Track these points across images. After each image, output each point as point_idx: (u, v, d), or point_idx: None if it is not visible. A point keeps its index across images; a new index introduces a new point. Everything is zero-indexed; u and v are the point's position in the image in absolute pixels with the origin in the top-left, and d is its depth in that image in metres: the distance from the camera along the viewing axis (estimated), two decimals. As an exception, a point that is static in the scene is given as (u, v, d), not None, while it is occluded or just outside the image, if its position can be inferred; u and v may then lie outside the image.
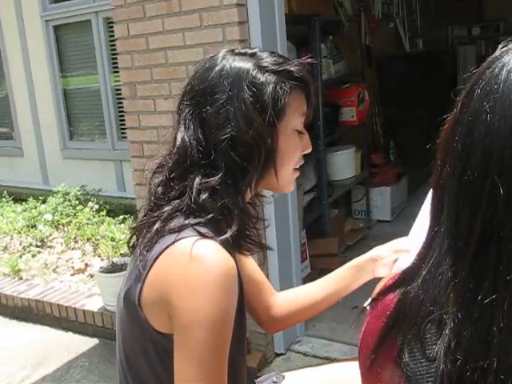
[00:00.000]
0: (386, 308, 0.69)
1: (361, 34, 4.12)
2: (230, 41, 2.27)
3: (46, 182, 5.34)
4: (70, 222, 4.31)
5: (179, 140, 0.99)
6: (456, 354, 0.58)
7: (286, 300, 1.28)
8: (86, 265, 3.75)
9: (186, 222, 0.94)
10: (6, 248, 4.20)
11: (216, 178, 0.95)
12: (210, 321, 0.87)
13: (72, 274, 3.65)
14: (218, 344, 0.89)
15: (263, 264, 2.45)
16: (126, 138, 2.92)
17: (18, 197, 5.23)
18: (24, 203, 4.92)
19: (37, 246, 4.11)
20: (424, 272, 0.64)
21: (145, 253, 0.94)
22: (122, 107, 2.78)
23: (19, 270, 3.68)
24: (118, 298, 1.03)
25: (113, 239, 3.85)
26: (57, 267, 3.77)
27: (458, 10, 6.03)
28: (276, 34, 2.39)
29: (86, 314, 3.05)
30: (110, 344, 2.86)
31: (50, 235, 4.26)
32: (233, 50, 1.03)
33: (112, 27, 2.67)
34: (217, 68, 0.99)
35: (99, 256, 3.81)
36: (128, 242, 1.06)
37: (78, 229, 4.19)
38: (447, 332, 0.59)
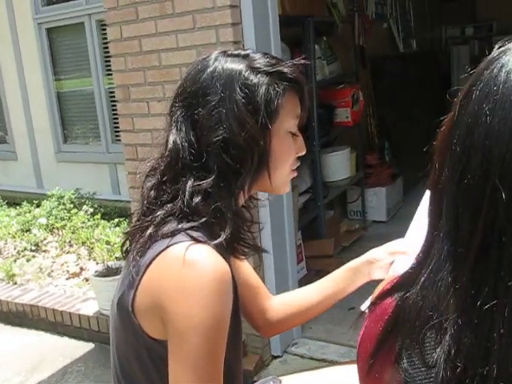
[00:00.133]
0: (384, 312, 0.68)
1: (354, 34, 4.12)
2: (224, 42, 2.26)
3: (40, 186, 5.32)
4: (65, 225, 4.29)
5: (171, 142, 0.98)
6: (456, 361, 0.57)
7: (282, 304, 1.27)
8: (81, 269, 3.73)
9: (179, 226, 0.93)
10: (0, 253, 4.18)
11: (208, 180, 0.94)
12: (205, 326, 0.86)
13: (67, 278, 3.63)
14: (212, 350, 0.88)
15: (259, 266, 2.44)
16: (120, 140, 2.91)
17: (12, 201, 5.20)
18: (18, 207, 4.90)
19: (31, 251, 4.09)
20: (423, 278, 0.63)
21: (138, 258, 0.93)
22: (116, 110, 2.76)
23: (13, 275, 3.66)
24: (112, 305, 1.01)
25: (108, 243, 3.83)
26: (52, 271, 3.74)
27: (452, 10, 6.05)
28: (270, 35, 2.38)
29: (81, 319, 3.03)
30: (105, 348, 2.85)
31: (45, 239, 4.24)
32: (225, 52, 1.02)
33: (105, 30, 2.66)
34: (209, 69, 0.98)
35: (94, 260, 3.79)
36: (121, 247, 1.05)
37: (73, 232, 4.17)
38: (447, 339, 0.58)
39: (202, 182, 0.94)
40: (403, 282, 0.68)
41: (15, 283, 3.59)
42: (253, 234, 1.04)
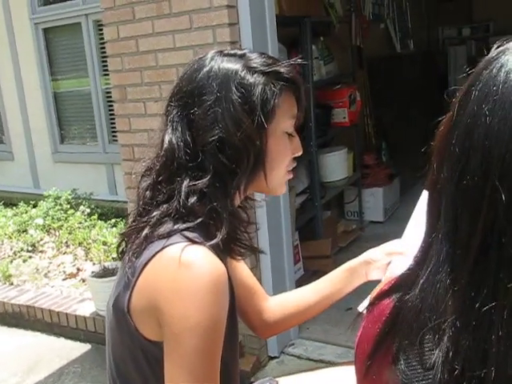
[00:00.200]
0: (381, 313, 0.67)
1: (352, 34, 4.12)
2: (221, 43, 2.26)
3: (37, 186, 5.30)
4: (62, 226, 4.28)
5: (166, 142, 0.97)
6: (453, 364, 0.56)
7: (279, 304, 1.26)
8: (78, 269, 3.72)
9: (175, 227, 0.92)
10: (-4, 253, 4.17)
11: (204, 180, 0.94)
12: (201, 328, 0.85)
13: (64, 279, 3.62)
14: (209, 351, 0.87)
15: (256, 266, 2.44)
16: (117, 141, 2.90)
17: (9, 201, 5.19)
18: (15, 208, 4.88)
19: (28, 251, 4.08)
20: (422, 280, 0.62)
21: (133, 259, 0.92)
22: (113, 110, 2.76)
23: (10, 276, 3.65)
24: (107, 306, 1.01)
25: (104, 243, 3.82)
26: (48, 272, 3.73)
27: (449, 10, 6.05)
28: (267, 35, 2.38)
29: (77, 319, 3.02)
30: (102, 349, 2.81)
31: (41, 240, 4.23)
32: (222, 51, 1.01)
33: (102, 30, 2.65)
34: (205, 69, 0.98)
35: (91, 260, 3.78)
36: (117, 248, 1.04)
37: (70, 233, 4.16)
38: (445, 341, 0.58)
39: (197, 182, 0.94)
40: (401, 283, 0.67)
41: (11, 284, 3.58)
42: (249, 234, 1.03)
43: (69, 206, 4.50)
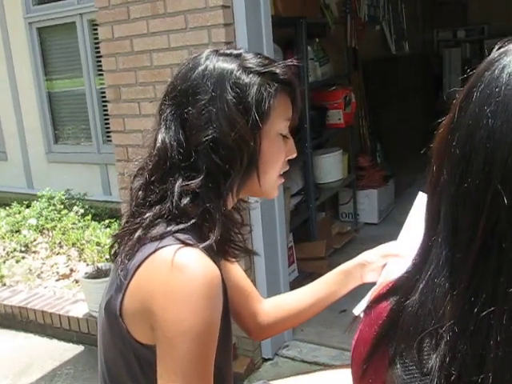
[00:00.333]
0: (379, 316, 0.67)
1: (347, 36, 4.12)
2: (216, 43, 2.25)
3: (31, 186, 5.28)
4: (55, 226, 4.26)
5: (159, 141, 0.96)
6: (450, 369, 0.55)
7: (273, 307, 1.25)
8: (71, 270, 3.70)
9: (168, 229, 0.91)
10: (-11, 254, 4.14)
11: (197, 180, 0.92)
12: (194, 331, 0.84)
13: (57, 280, 3.60)
14: (202, 354, 0.86)
15: (250, 268, 2.43)
16: (111, 141, 2.89)
17: (2, 201, 5.16)
18: (8, 208, 4.85)
19: (21, 252, 4.05)
20: (421, 285, 0.61)
21: (126, 261, 0.91)
22: (108, 110, 2.74)
23: (2, 276, 3.62)
24: (100, 309, 1.00)
25: (98, 244, 3.81)
26: (41, 273, 3.71)
27: (444, 13, 6.07)
28: (262, 36, 2.37)
29: (70, 321, 3.00)
30: (95, 351, 2.79)
31: (35, 240, 4.20)
32: (217, 51, 1.00)
33: (97, 29, 2.64)
34: (200, 68, 0.96)
35: (84, 261, 3.76)
36: (110, 250, 1.03)
37: (63, 233, 4.14)
38: (443, 346, 0.57)
39: (190, 182, 0.92)
40: (399, 287, 0.66)
41: (4, 285, 3.55)
42: (243, 236, 1.02)
43: (62, 207, 4.48)
